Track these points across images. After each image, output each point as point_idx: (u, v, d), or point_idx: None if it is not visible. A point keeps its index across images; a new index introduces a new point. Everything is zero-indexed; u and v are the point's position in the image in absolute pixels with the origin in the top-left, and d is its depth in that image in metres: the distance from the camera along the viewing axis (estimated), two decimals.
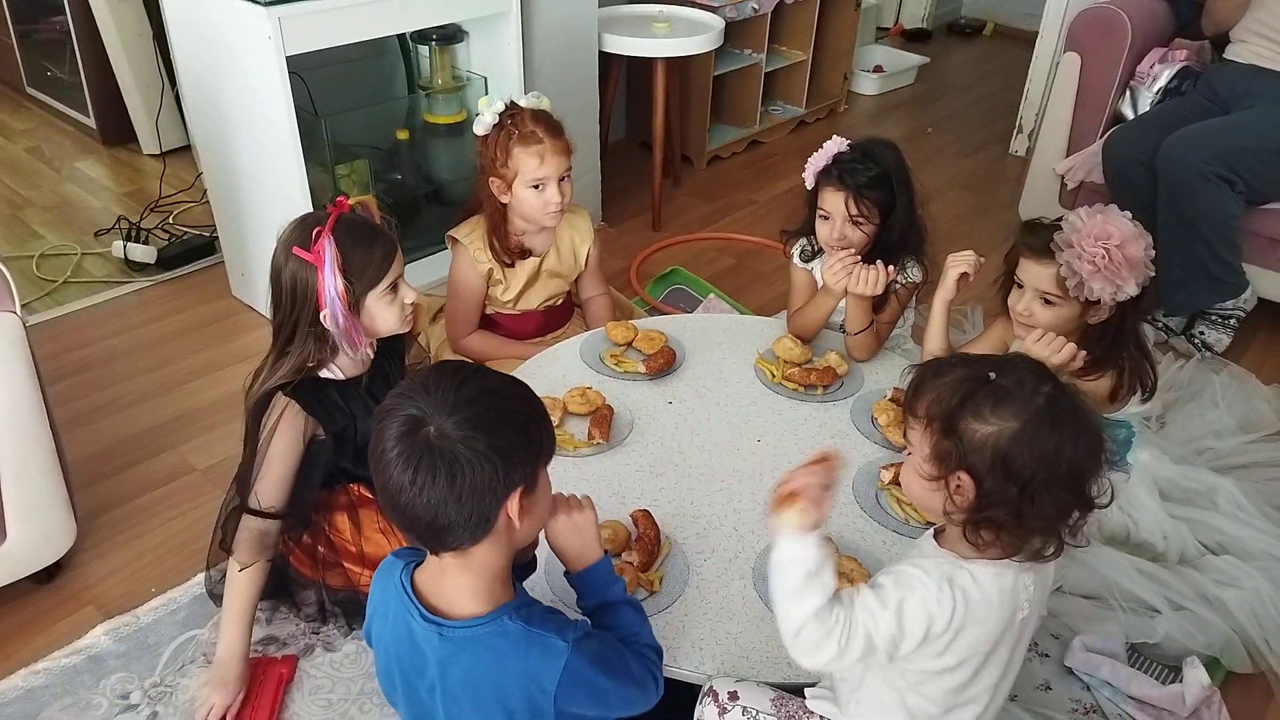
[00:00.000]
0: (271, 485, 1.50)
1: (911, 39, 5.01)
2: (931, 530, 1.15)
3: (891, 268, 1.79)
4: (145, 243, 2.77)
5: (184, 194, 3.07)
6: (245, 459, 1.57)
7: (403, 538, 1.60)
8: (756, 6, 3.35)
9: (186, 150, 3.32)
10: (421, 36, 2.51)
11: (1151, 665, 1.61)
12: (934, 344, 1.78)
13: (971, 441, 1.00)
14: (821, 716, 1.22)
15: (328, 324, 1.45)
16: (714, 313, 2.45)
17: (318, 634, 1.64)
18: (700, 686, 1.29)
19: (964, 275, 1.73)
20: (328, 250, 1.40)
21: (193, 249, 2.78)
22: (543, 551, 1.27)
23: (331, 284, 1.41)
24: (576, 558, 1.16)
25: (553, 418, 1.59)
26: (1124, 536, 1.81)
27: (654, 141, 3.00)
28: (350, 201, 1.48)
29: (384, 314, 1.50)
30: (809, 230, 1.92)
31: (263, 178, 2.28)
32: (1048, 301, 1.60)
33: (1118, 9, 2.65)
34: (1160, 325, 2.50)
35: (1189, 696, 1.52)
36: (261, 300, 2.51)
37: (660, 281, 2.70)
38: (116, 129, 3.40)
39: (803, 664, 1.08)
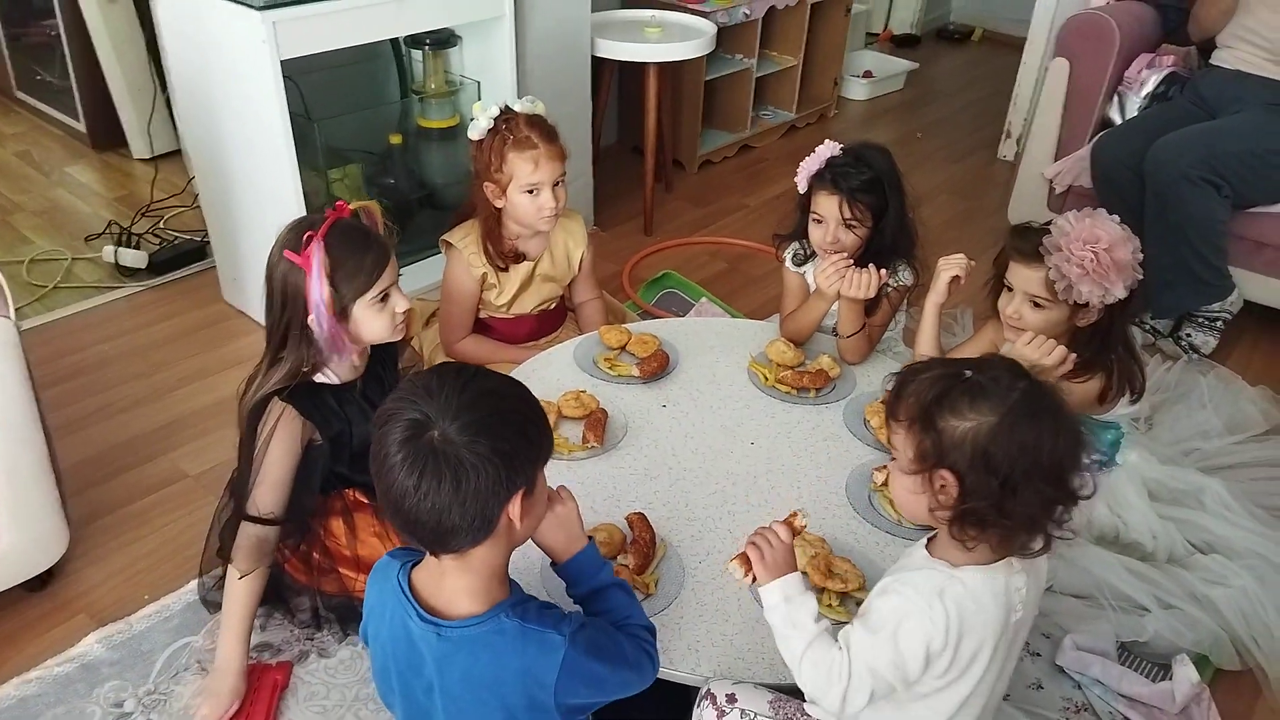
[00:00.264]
0: (269, 491, 1.50)
1: (901, 44, 5.04)
2: (924, 540, 1.16)
3: (883, 271, 1.80)
4: (136, 247, 2.76)
5: (175, 199, 3.06)
6: (240, 466, 1.57)
7: (397, 540, 1.62)
8: (748, 12, 3.36)
9: (177, 154, 3.32)
10: (415, 41, 2.52)
11: (1141, 663, 1.62)
12: (925, 346, 1.79)
13: (951, 438, 1.02)
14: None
15: (313, 329, 1.45)
16: (706, 316, 2.46)
17: (312, 640, 1.64)
18: (696, 688, 1.29)
19: (955, 278, 1.75)
20: (316, 255, 1.41)
21: (184, 254, 2.78)
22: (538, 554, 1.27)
23: (317, 290, 1.42)
24: (564, 550, 1.16)
25: None
26: (1114, 536, 1.82)
27: (646, 146, 3.01)
28: (353, 206, 1.49)
29: (372, 322, 1.50)
30: (801, 234, 1.93)
31: (255, 182, 2.28)
32: (1037, 305, 1.61)
33: (1106, 15, 2.68)
34: (1148, 328, 2.52)
35: (1179, 694, 1.54)
36: (253, 305, 2.51)
37: (653, 285, 2.71)
38: (106, 133, 3.38)
39: (832, 712, 1.11)
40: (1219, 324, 2.46)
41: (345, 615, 1.64)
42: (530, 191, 1.87)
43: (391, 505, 0.99)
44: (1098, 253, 1.50)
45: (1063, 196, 2.78)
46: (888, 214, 1.80)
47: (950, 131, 4.04)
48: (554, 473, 1.10)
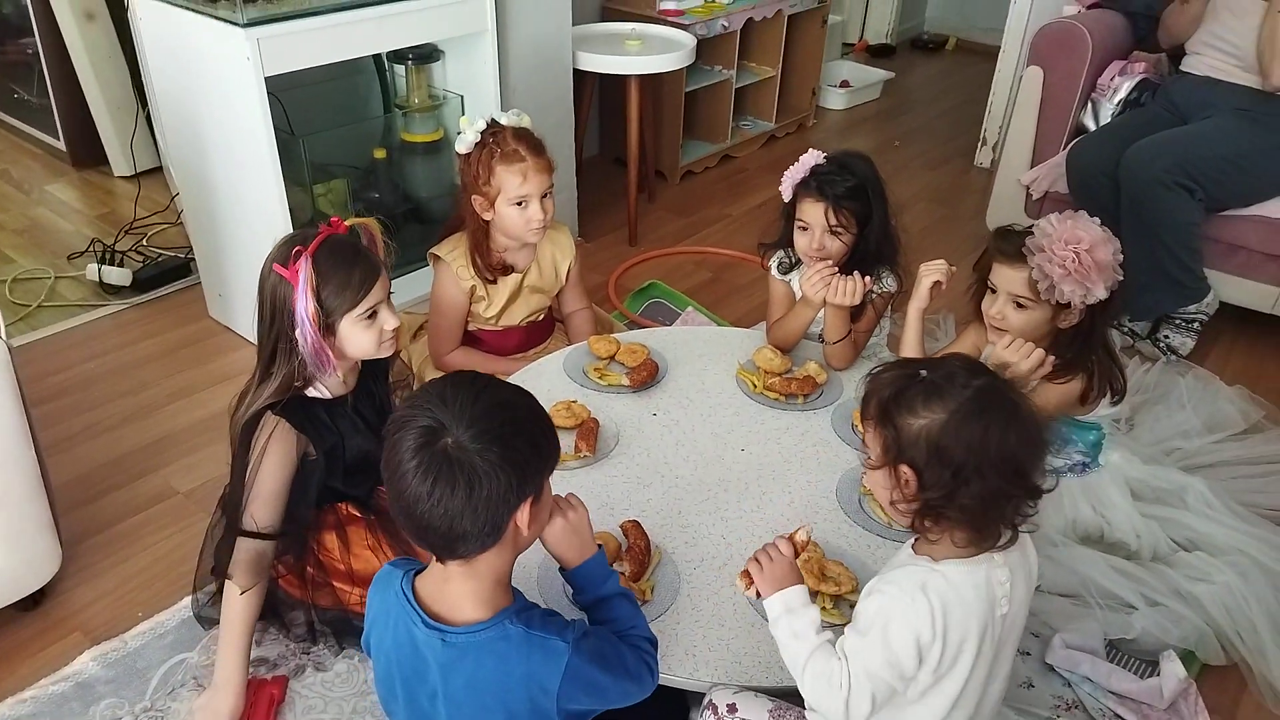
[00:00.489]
0: (265, 505, 1.50)
1: (876, 54, 5.10)
2: (910, 541, 1.19)
3: (868, 278, 1.83)
4: (120, 265, 2.75)
5: (158, 216, 3.05)
6: (234, 481, 1.57)
7: (390, 553, 1.62)
8: (726, 24, 3.40)
9: (158, 171, 3.31)
10: (398, 56, 2.53)
11: (1129, 660, 1.65)
12: (910, 351, 1.82)
13: (908, 435, 1.06)
14: None
15: (298, 343, 1.46)
16: (693, 325, 2.48)
17: (308, 654, 1.64)
18: (694, 693, 1.31)
19: (937, 284, 1.78)
20: (303, 270, 1.42)
21: (168, 271, 2.77)
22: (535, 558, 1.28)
23: (303, 305, 1.43)
24: (575, 557, 1.18)
25: None
26: (1098, 536, 1.85)
27: (628, 157, 3.04)
28: (350, 223, 1.50)
29: (358, 338, 1.50)
30: (786, 242, 1.95)
31: (240, 198, 2.28)
32: (1020, 305, 1.64)
33: (1078, 23, 2.73)
34: (1126, 330, 2.56)
35: (1166, 689, 1.56)
36: (240, 321, 2.51)
37: (639, 295, 2.73)
38: (86, 151, 3.37)
39: None
40: (1196, 325, 2.50)
41: (340, 629, 1.64)
42: (519, 204, 1.89)
43: (404, 511, 1.00)
44: (1079, 253, 1.53)
45: (1039, 202, 2.82)
46: (872, 221, 1.83)
47: (927, 139, 4.09)
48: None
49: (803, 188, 1.84)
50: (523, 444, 1.00)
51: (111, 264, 2.75)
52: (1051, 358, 1.66)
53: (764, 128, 3.89)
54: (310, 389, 1.57)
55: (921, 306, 1.79)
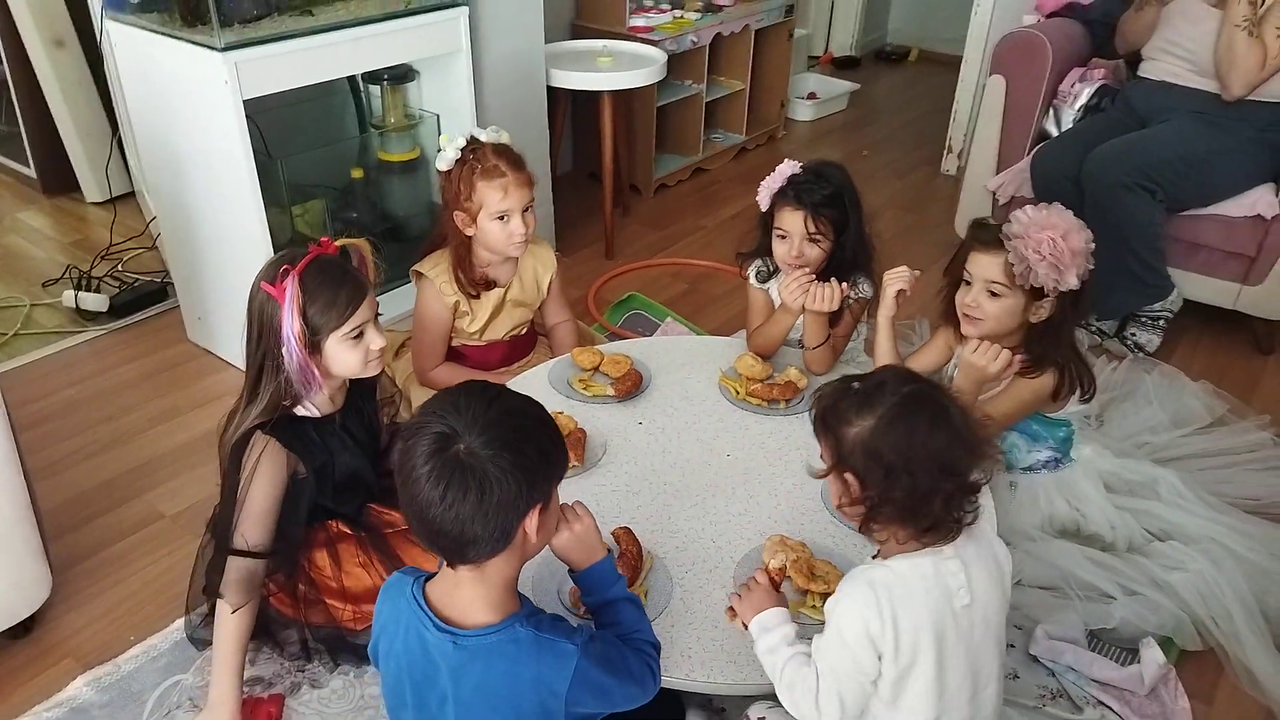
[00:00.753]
0: (256, 524, 1.51)
1: (841, 66, 5.19)
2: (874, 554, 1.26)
3: (845, 284, 1.87)
4: (96, 291, 2.74)
5: (133, 241, 3.04)
6: (224, 501, 1.58)
7: (382, 569, 1.64)
8: (695, 39, 3.45)
9: (131, 197, 3.30)
10: (373, 77, 2.55)
11: (1110, 649, 1.69)
12: (883, 356, 1.87)
13: (847, 443, 1.14)
14: None
15: (284, 360, 1.47)
16: (673, 335, 2.51)
17: (303, 672, 1.65)
18: (690, 694, 1.33)
19: (901, 291, 1.82)
20: (289, 289, 1.44)
21: (144, 296, 2.76)
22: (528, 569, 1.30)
23: (289, 323, 1.45)
24: (583, 561, 1.21)
25: None
26: (1074, 529, 1.90)
27: (603, 172, 3.07)
28: (340, 243, 1.52)
29: (343, 357, 1.52)
30: (764, 251, 1.99)
31: (220, 221, 2.29)
32: (994, 293, 1.69)
33: (1038, 32, 2.81)
34: (1095, 329, 2.63)
35: (1147, 675, 1.61)
36: (220, 343, 2.51)
37: (618, 308, 2.76)
38: (57, 178, 3.36)
39: None
40: (1161, 323, 2.57)
41: (335, 646, 1.64)
42: (501, 218, 1.91)
43: (416, 515, 1.02)
44: (1054, 239, 1.59)
45: (1005, 207, 2.88)
46: (848, 228, 1.88)
47: (894, 149, 4.16)
48: None
49: (781, 197, 1.88)
50: (533, 451, 1.03)
51: (88, 290, 2.74)
52: (1019, 357, 1.71)
53: (734, 140, 3.94)
54: (299, 408, 1.58)
55: (890, 314, 1.84)
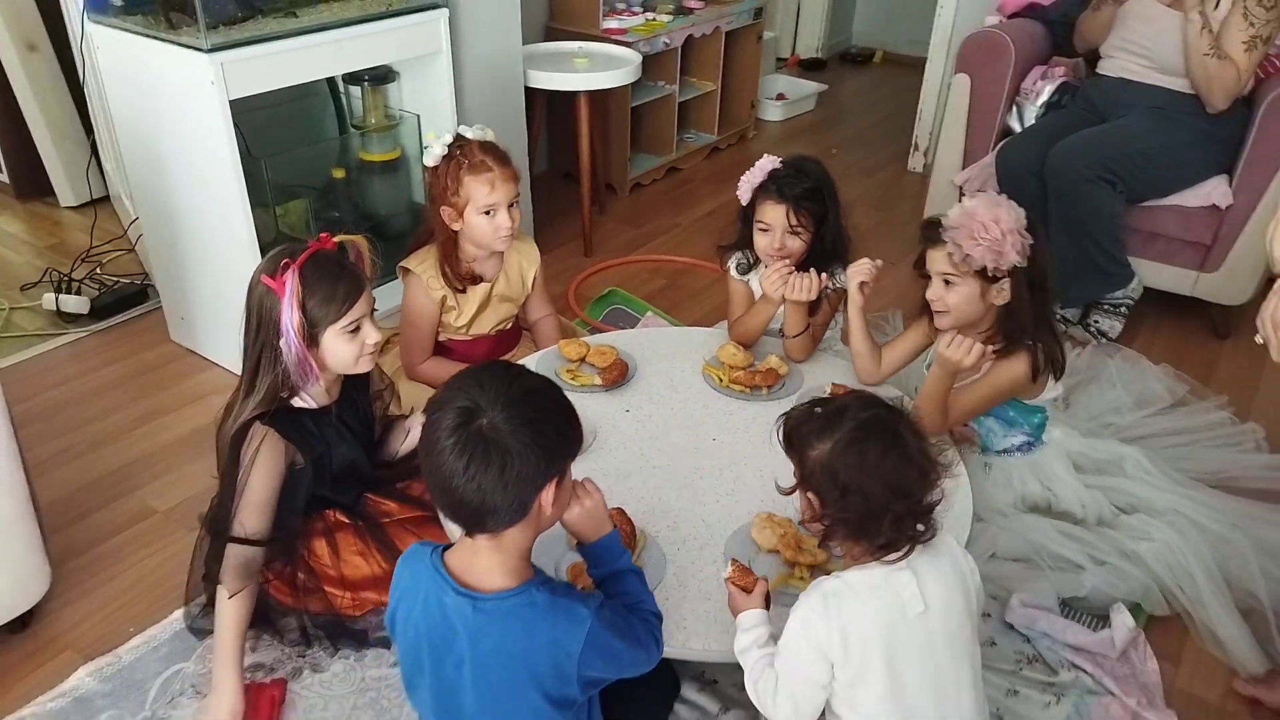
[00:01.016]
0: (254, 513, 1.54)
1: (808, 68, 5.29)
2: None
3: (824, 275, 1.94)
4: (77, 294, 2.74)
5: (111, 243, 3.04)
6: (222, 492, 1.61)
7: (380, 557, 1.67)
8: (668, 41, 3.52)
9: (106, 200, 3.29)
10: (354, 78, 2.58)
11: (1082, 615, 1.77)
12: (857, 345, 1.95)
13: (808, 463, 1.22)
14: None
15: (282, 353, 1.51)
16: (653, 329, 2.56)
17: (304, 657, 1.67)
18: (685, 667, 1.39)
19: (864, 283, 1.89)
20: (289, 283, 1.48)
21: (125, 297, 2.77)
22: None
23: (288, 316, 1.49)
24: (591, 534, 1.27)
25: None
26: (1045, 507, 1.97)
27: (580, 171, 3.12)
28: (338, 239, 1.56)
29: (340, 351, 1.56)
30: (745, 244, 2.05)
31: (205, 221, 2.31)
32: (948, 283, 1.76)
33: (1000, 32, 2.90)
34: (1059, 317, 2.72)
35: (1118, 640, 1.69)
36: (204, 343, 2.53)
37: (599, 303, 2.81)
38: (31, 183, 3.34)
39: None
40: (1123, 309, 2.67)
41: (334, 631, 1.68)
42: (487, 213, 1.95)
43: (439, 485, 1.06)
44: (985, 223, 1.66)
45: None
46: (828, 220, 1.94)
47: (861, 147, 4.25)
48: None
49: (762, 191, 1.94)
50: (551, 429, 1.08)
51: (68, 293, 2.74)
52: (991, 348, 1.78)
53: (707, 140, 4.01)
54: (296, 399, 1.62)
55: (858, 305, 1.91)
